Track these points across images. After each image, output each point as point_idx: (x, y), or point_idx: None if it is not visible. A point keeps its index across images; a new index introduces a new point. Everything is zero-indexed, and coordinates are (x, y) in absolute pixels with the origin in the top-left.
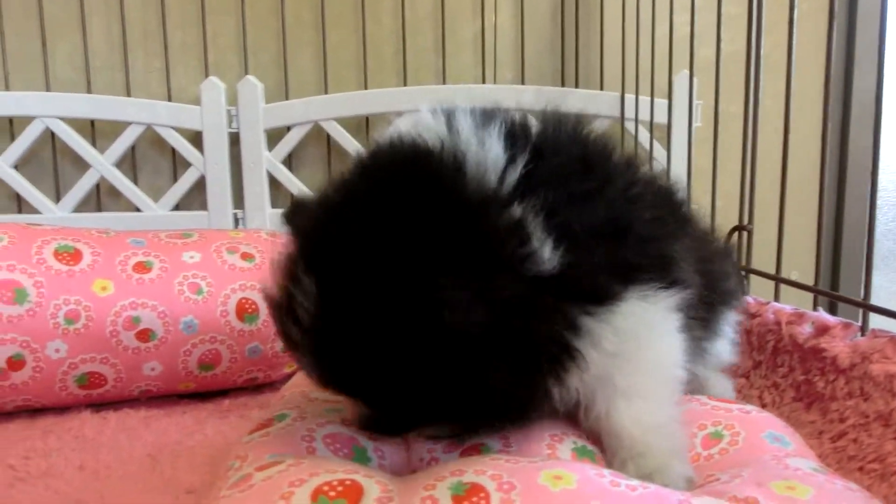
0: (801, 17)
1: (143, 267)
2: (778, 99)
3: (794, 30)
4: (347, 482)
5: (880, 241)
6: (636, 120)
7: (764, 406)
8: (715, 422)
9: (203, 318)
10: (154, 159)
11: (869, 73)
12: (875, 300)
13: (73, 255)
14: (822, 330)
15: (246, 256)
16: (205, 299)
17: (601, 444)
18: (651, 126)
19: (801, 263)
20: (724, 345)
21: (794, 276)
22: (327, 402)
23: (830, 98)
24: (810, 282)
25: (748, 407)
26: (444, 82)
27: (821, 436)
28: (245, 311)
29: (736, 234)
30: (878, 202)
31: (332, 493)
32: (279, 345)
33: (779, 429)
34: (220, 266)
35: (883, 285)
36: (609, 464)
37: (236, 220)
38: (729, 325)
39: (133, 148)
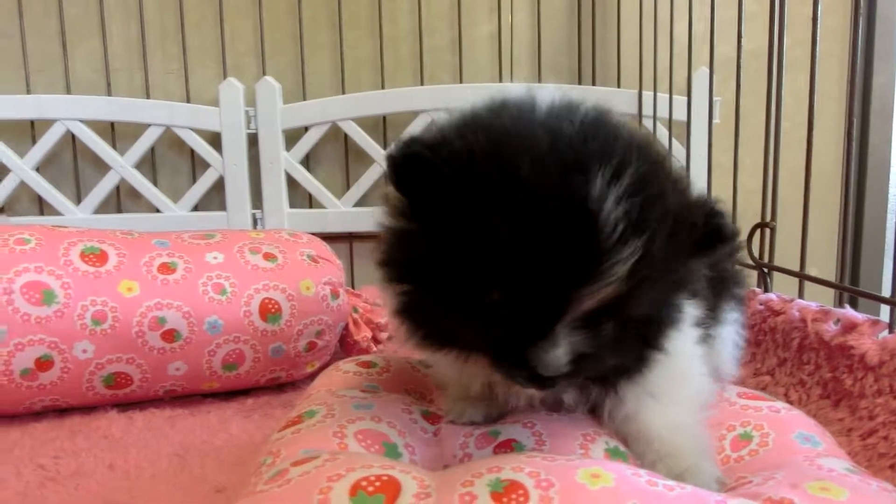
0: (821, 14)
1: (167, 268)
2: (797, 96)
3: (819, 26)
4: (385, 478)
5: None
6: (654, 117)
7: (790, 404)
8: (744, 422)
9: (227, 319)
10: (173, 160)
11: (888, 67)
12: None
13: (100, 257)
14: (850, 327)
15: (268, 257)
16: (228, 299)
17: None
18: (670, 123)
19: (819, 259)
20: (727, 349)
21: (813, 273)
22: (355, 398)
23: (854, 93)
24: (829, 278)
25: (777, 405)
26: (460, 81)
27: (850, 433)
28: (268, 311)
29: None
30: (891, 197)
31: (371, 489)
32: (302, 344)
33: (809, 428)
34: (242, 266)
35: None
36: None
37: (255, 221)
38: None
39: (153, 149)
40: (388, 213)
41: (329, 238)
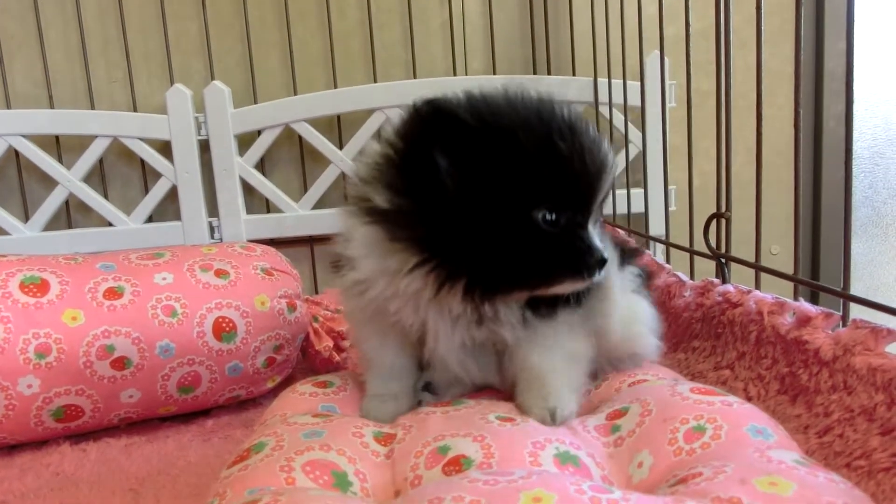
0: None
1: (114, 293)
2: (751, 73)
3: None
4: None
5: (858, 209)
6: (609, 104)
7: (749, 399)
8: (697, 416)
9: (179, 341)
10: (123, 171)
11: (839, 40)
12: (854, 267)
13: (41, 287)
14: (804, 321)
15: (220, 273)
16: (180, 321)
17: (589, 450)
18: (625, 109)
19: (781, 238)
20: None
21: (774, 251)
22: (306, 425)
23: (802, 70)
24: (790, 256)
25: (730, 399)
26: (414, 76)
27: (807, 430)
28: (222, 330)
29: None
30: (854, 170)
31: None
32: (260, 361)
33: (761, 421)
34: (193, 286)
35: (862, 252)
36: (518, 395)
37: (211, 229)
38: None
39: (101, 161)
40: (396, 192)
41: (289, 242)
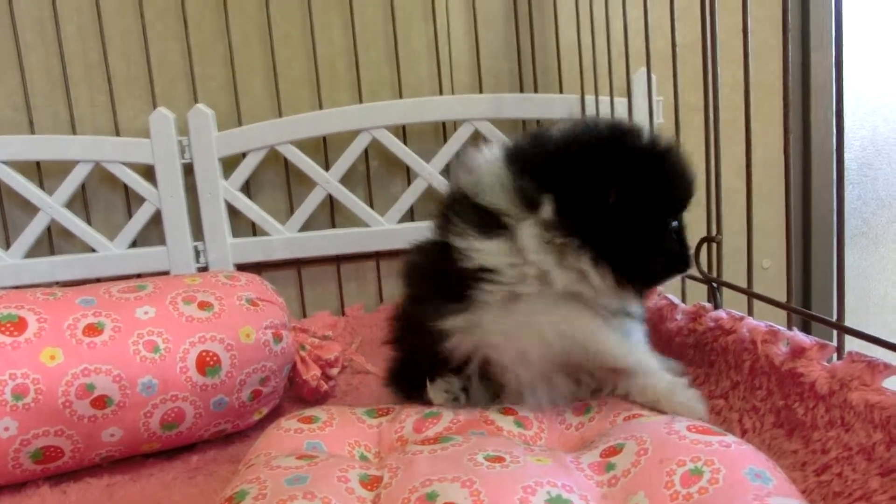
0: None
1: (94, 329)
2: (739, 87)
3: (748, 14)
4: None
5: (847, 220)
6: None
7: (745, 432)
8: (694, 457)
9: (162, 377)
10: (106, 196)
11: (826, 54)
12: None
13: (18, 325)
14: (798, 352)
15: (204, 306)
16: (162, 357)
17: (582, 491)
18: None
19: (772, 250)
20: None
21: (765, 265)
22: (289, 469)
23: (790, 84)
24: (781, 270)
25: (728, 439)
26: (399, 95)
27: (804, 468)
28: (206, 365)
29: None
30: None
31: None
32: (246, 394)
33: (760, 463)
34: (176, 319)
35: (852, 263)
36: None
37: (197, 253)
38: None
39: (83, 186)
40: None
41: (276, 266)
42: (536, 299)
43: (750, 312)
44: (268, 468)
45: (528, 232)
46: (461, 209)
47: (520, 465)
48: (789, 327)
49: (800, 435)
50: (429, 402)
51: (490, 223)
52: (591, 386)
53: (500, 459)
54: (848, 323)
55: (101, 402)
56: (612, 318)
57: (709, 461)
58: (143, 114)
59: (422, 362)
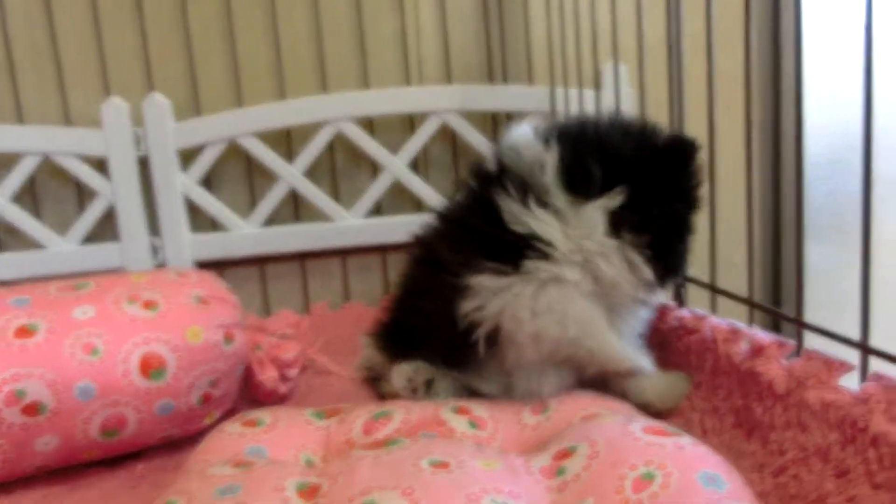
0: None
1: (25, 331)
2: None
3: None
4: None
5: (817, 216)
6: (566, 114)
7: (705, 433)
8: (647, 461)
9: (101, 381)
10: (56, 190)
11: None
12: (814, 275)
13: None
14: (758, 350)
15: (149, 305)
16: (101, 359)
17: (530, 497)
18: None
19: (741, 244)
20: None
21: (736, 259)
22: (224, 478)
23: (754, 79)
24: (753, 266)
25: (683, 440)
26: (366, 85)
27: (762, 469)
28: (150, 367)
29: None
30: (810, 178)
31: None
32: (195, 397)
33: (714, 466)
34: (118, 319)
35: (821, 259)
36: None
37: (154, 249)
38: None
39: (32, 179)
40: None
41: (238, 263)
42: (573, 289)
43: (714, 308)
44: (200, 477)
45: (594, 216)
46: (507, 180)
47: (465, 471)
48: (750, 323)
49: (758, 435)
50: (383, 397)
51: (538, 198)
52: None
53: (444, 465)
54: (817, 319)
55: (33, 409)
56: (631, 305)
57: (661, 464)
58: (96, 103)
59: (417, 327)
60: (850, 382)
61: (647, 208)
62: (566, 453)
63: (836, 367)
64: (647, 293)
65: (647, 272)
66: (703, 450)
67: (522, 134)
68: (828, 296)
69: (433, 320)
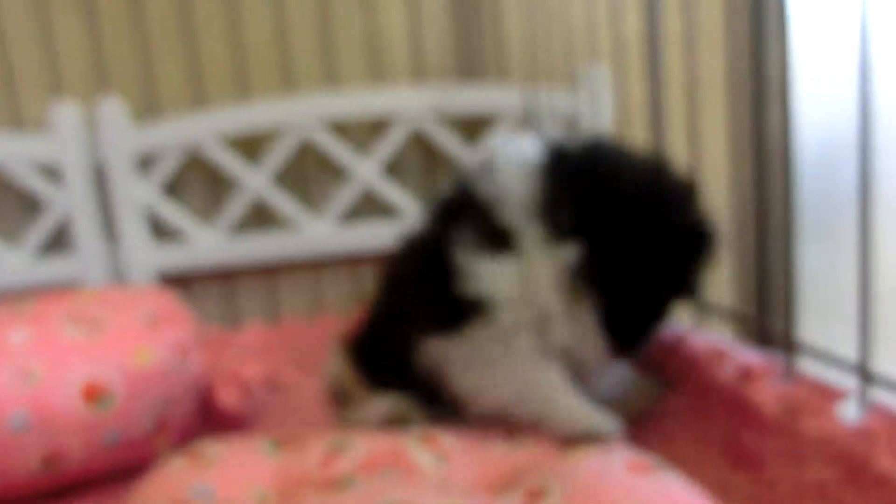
0: None
1: None
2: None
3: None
4: None
5: (807, 212)
6: (543, 114)
7: (686, 461)
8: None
9: (38, 411)
10: (5, 199)
11: (781, 46)
12: (804, 273)
13: None
14: (745, 373)
15: (93, 325)
16: (39, 387)
17: None
18: (563, 119)
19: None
20: None
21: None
22: None
23: (738, 76)
24: (734, 272)
25: (669, 478)
26: (334, 87)
27: None
28: (94, 394)
29: None
30: (799, 177)
31: None
32: (147, 425)
33: None
34: (58, 343)
35: (809, 259)
36: None
37: (113, 262)
38: None
39: None
40: None
41: (203, 276)
42: (516, 351)
43: (698, 321)
44: None
45: (551, 263)
46: (470, 217)
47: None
48: (738, 340)
49: (746, 467)
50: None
51: (502, 241)
52: None
53: None
54: (802, 323)
55: None
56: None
57: None
58: (47, 105)
59: (385, 354)
60: (846, 408)
61: (613, 269)
62: (537, 494)
63: (832, 394)
64: (611, 357)
65: (592, 341)
66: (692, 492)
67: (516, 160)
68: (815, 296)
69: (399, 358)
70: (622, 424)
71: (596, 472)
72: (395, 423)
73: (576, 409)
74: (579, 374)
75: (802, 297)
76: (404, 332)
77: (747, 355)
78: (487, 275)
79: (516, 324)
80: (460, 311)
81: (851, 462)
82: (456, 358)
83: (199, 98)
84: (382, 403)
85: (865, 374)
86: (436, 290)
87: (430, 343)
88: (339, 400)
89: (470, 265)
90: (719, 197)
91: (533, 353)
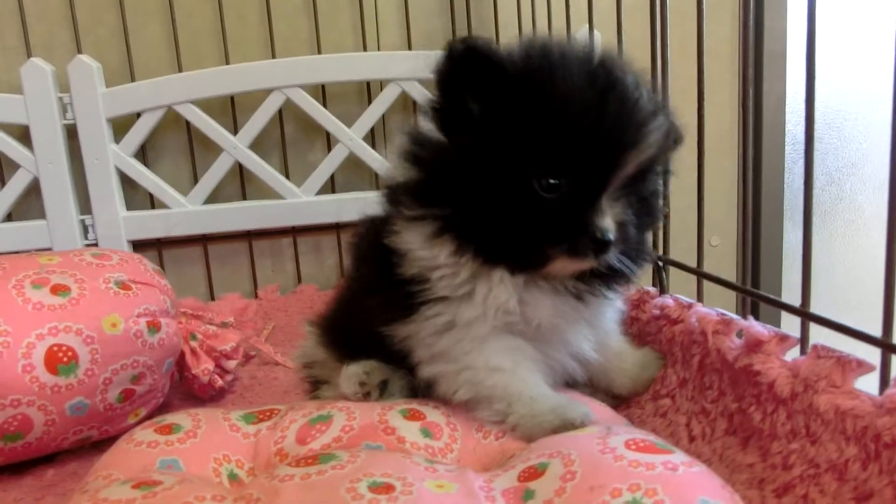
0: None
1: None
2: (687, 51)
3: None
4: None
5: (795, 195)
6: None
7: (693, 439)
8: (633, 485)
9: None
10: None
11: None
12: (790, 253)
13: None
14: (754, 345)
15: (58, 290)
16: None
17: None
18: None
19: (720, 225)
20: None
21: (713, 243)
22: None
23: (743, 52)
24: (731, 247)
25: (675, 459)
26: (318, 51)
27: (762, 486)
28: (58, 362)
29: None
30: (792, 156)
31: None
32: (114, 395)
33: (713, 492)
34: (20, 307)
35: (799, 238)
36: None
37: (84, 228)
38: None
39: None
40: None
41: (179, 242)
42: (472, 333)
43: (699, 295)
44: (92, 502)
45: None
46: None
47: (412, 498)
48: (743, 315)
49: (756, 445)
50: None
51: (416, 220)
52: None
53: (388, 489)
54: (793, 302)
55: None
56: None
57: (650, 490)
58: (16, 66)
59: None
60: (868, 385)
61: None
62: (535, 472)
63: (853, 367)
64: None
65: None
66: (700, 470)
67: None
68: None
69: (370, 335)
70: (614, 402)
71: (595, 449)
72: (373, 388)
73: (540, 402)
74: (553, 339)
75: (788, 274)
76: (370, 310)
77: (756, 327)
78: (421, 253)
79: (459, 297)
80: (409, 293)
81: (875, 439)
82: (417, 344)
83: (176, 60)
84: (357, 367)
85: (888, 346)
86: (381, 280)
87: (391, 329)
88: (313, 386)
89: (405, 245)
90: (714, 173)
91: (490, 340)
